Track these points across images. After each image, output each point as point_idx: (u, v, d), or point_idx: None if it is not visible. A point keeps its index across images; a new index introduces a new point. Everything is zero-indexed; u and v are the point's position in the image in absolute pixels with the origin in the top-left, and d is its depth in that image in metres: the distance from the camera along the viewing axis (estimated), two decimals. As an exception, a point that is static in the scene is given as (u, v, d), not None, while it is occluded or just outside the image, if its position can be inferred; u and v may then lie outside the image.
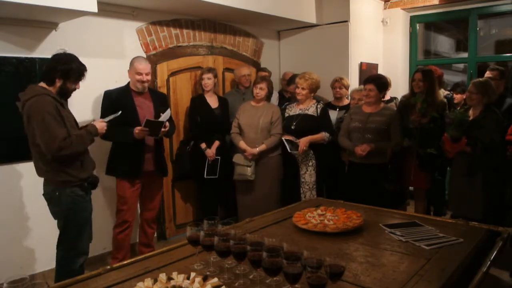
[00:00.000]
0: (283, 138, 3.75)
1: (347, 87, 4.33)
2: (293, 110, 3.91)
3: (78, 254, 2.70)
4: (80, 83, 2.69)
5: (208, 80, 4.01)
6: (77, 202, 2.64)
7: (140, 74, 3.28)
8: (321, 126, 3.78)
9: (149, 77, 3.34)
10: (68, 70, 2.54)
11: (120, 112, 2.94)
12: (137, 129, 3.15)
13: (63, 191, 2.59)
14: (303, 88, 3.78)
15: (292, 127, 3.79)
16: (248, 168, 3.80)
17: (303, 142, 3.68)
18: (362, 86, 4.26)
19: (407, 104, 3.79)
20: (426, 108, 3.55)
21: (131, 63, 3.34)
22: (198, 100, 4.09)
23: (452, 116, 3.39)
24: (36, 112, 2.43)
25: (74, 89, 2.67)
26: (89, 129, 2.65)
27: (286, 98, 4.65)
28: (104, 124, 2.76)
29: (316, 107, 3.83)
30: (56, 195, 2.60)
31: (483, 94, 3.26)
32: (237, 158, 3.86)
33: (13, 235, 3.24)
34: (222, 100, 4.16)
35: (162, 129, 3.23)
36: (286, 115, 3.93)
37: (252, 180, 3.83)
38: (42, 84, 2.56)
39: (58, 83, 2.55)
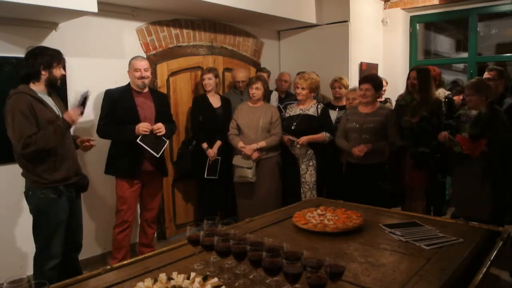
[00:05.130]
0: (282, 133, 3.82)
1: (346, 87, 4.33)
2: (294, 110, 3.91)
3: (49, 257, 2.67)
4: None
5: (208, 80, 4.01)
6: (47, 205, 2.61)
7: (138, 70, 3.28)
8: (322, 126, 3.79)
9: (148, 73, 3.34)
10: (48, 58, 2.59)
11: (88, 90, 2.73)
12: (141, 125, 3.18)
13: (35, 192, 2.60)
14: (303, 88, 3.78)
15: (293, 127, 3.79)
16: (249, 170, 3.79)
17: (303, 139, 3.70)
18: (355, 87, 4.28)
19: (401, 104, 3.80)
20: (416, 108, 3.55)
21: (129, 63, 3.36)
22: (200, 100, 4.08)
23: (470, 114, 3.25)
24: (9, 110, 2.50)
25: (62, 76, 2.68)
26: (58, 123, 2.56)
27: (282, 98, 4.66)
28: (75, 111, 2.59)
29: (317, 107, 3.83)
30: (29, 194, 2.63)
31: (481, 93, 3.22)
32: (237, 161, 3.85)
33: (13, 235, 3.24)
34: (224, 100, 4.16)
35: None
36: (287, 115, 3.93)
37: (252, 181, 3.83)
38: (25, 84, 2.59)
39: (45, 75, 2.60)
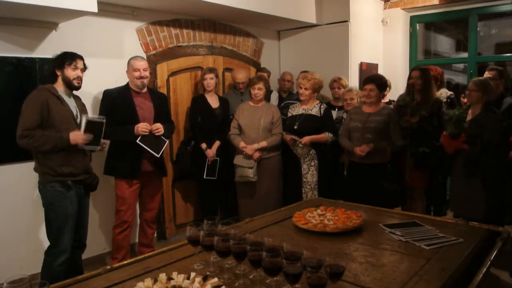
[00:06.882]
0: (284, 133, 3.81)
1: (345, 87, 4.33)
2: (296, 110, 3.91)
3: (59, 252, 2.75)
4: (83, 79, 2.84)
5: (210, 80, 4.01)
6: (56, 198, 2.71)
7: (138, 70, 3.28)
8: (325, 127, 3.79)
9: (147, 73, 3.33)
10: (60, 59, 2.75)
11: (104, 119, 2.81)
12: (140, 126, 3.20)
13: (45, 185, 2.72)
14: (306, 89, 3.78)
15: (295, 127, 3.79)
16: (250, 170, 3.79)
17: (306, 139, 3.70)
18: (351, 87, 4.28)
19: (401, 104, 3.80)
20: (415, 107, 3.56)
21: (128, 63, 3.35)
22: (199, 100, 4.08)
23: (451, 114, 3.40)
24: (26, 100, 2.67)
25: (78, 78, 2.78)
26: (63, 135, 2.67)
27: (283, 98, 4.66)
28: (80, 137, 2.69)
29: (320, 108, 3.83)
30: (40, 188, 2.75)
31: (483, 92, 3.26)
32: (238, 160, 3.85)
33: (13, 235, 3.23)
34: (222, 100, 4.16)
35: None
36: (289, 114, 3.93)
37: (253, 181, 3.83)
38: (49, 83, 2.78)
39: (60, 75, 2.75)
